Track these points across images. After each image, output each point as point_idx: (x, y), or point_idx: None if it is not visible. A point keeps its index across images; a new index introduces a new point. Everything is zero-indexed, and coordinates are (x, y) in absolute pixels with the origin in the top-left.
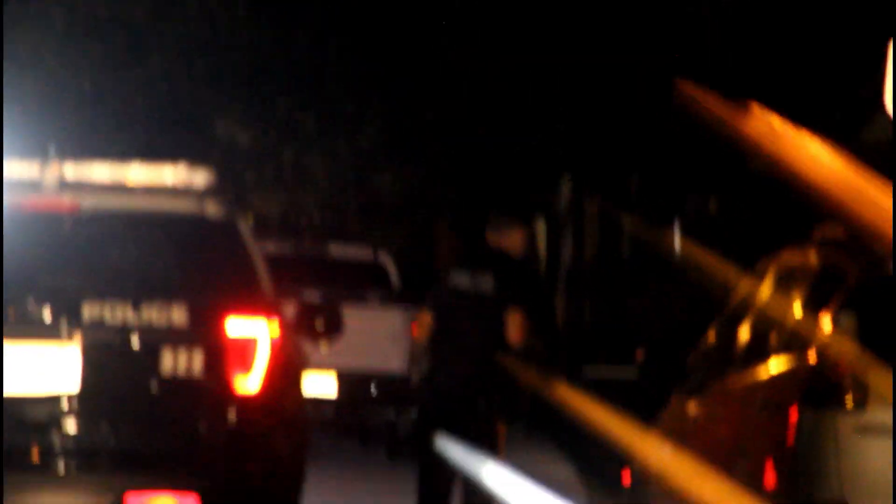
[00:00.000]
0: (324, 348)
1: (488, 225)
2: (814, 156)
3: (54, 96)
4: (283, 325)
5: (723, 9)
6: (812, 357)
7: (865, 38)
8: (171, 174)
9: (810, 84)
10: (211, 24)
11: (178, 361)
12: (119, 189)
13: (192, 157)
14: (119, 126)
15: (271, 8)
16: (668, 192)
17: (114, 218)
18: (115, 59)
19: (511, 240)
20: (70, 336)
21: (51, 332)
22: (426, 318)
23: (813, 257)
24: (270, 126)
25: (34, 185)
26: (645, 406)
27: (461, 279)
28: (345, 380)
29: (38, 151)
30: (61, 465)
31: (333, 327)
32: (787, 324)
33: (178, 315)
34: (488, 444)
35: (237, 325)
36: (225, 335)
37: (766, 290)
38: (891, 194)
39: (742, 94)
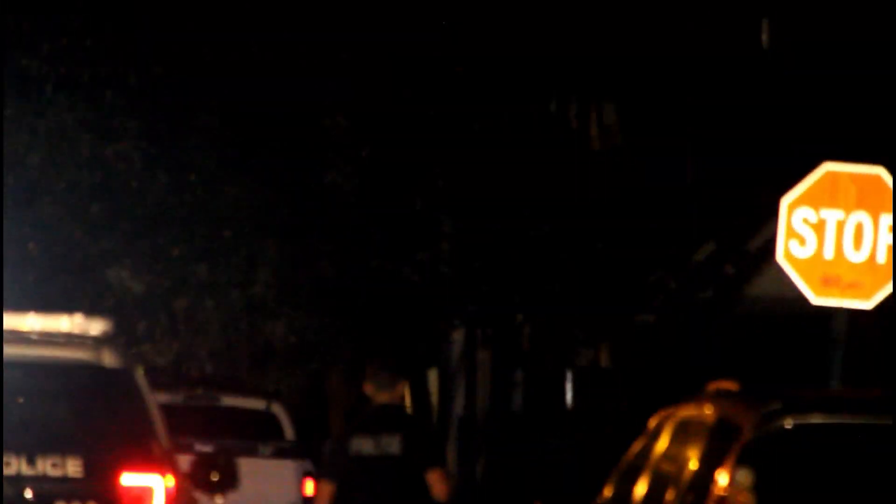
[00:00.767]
0: (218, 501)
1: (370, 378)
2: None
3: None
4: (178, 478)
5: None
6: None
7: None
8: (67, 323)
9: (701, 235)
10: (104, 170)
11: None
12: (14, 337)
13: (85, 305)
14: (10, 271)
15: (166, 155)
16: (560, 344)
17: (9, 366)
18: (7, 202)
19: (397, 393)
20: None
21: None
22: (326, 489)
23: (708, 410)
24: (163, 274)
25: None
26: None
27: (364, 444)
28: None
29: None
30: None
31: (228, 480)
32: (683, 478)
33: (73, 467)
34: None
35: (132, 478)
36: (120, 488)
37: (661, 444)
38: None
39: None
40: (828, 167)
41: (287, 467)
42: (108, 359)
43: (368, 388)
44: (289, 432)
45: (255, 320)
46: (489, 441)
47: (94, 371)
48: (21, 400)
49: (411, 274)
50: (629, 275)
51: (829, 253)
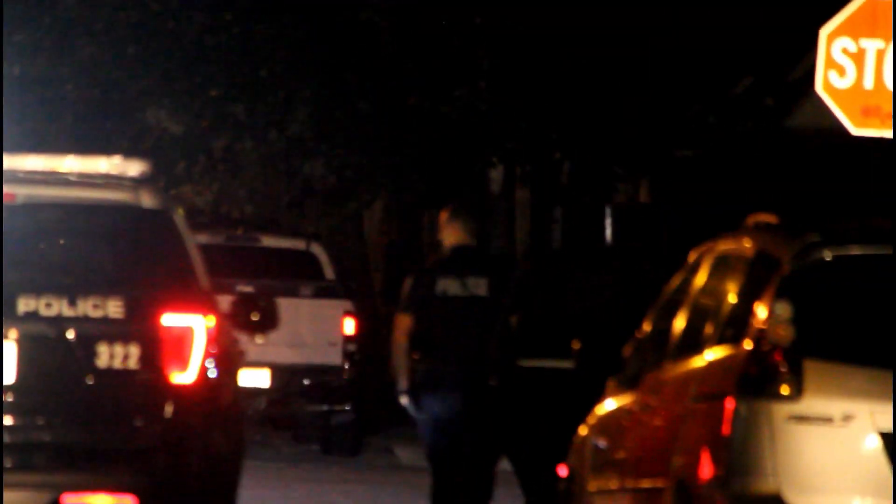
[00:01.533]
0: (258, 341)
1: (445, 222)
2: None
3: None
4: (219, 318)
5: None
6: (747, 345)
7: (794, 22)
8: (105, 165)
9: (740, 68)
10: (141, 10)
11: (114, 355)
12: (54, 179)
13: (124, 146)
14: (50, 115)
15: None
16: (598, 180)
17: (49, 208)
18: (44, 47)
19: (472, 234)
20: (5, 330)
21: None
22: (405, 321)
23: (747, 244)
24: (201, 115)
25: None
26: (580, 397)
27: (451, 285)
28: (278, 373)
29: None
30: None
31: (269, 320)
32: (722, 312)
33: (114, 308)
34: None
35: (173, 318)
36: (161, 328)
37: (700, 278)
38: None
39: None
40: None
41: (327, 307)
42: (147, 200)
43: (446, 231)
44: (328, 272)
45: (294, 160)
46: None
47: (133, 212)
48: (62, 241)
49: (449, 111)
50: (668, 109)
51: (868, 83)
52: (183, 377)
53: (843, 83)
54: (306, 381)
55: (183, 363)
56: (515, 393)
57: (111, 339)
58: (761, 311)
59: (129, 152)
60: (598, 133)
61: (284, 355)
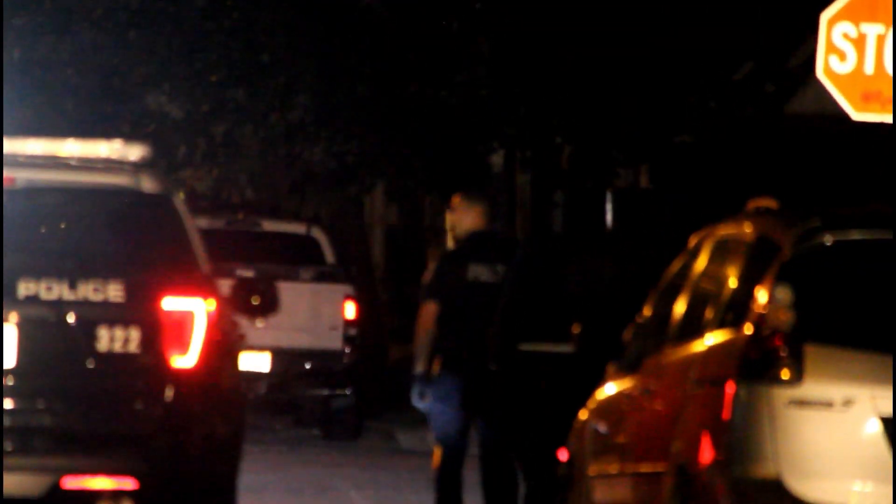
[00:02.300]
0: (259, 325)
1: (459, 208)
2: None
3: None
4: (219, 302)
5: None
6: (748, 330)
7: (795, 7)
8: (105, 149)
9: (741, 54)
10: None
11: (114, 339)
12: (54, 163)
13: (124, 131)
14: (50, 100)
15: None
16: (599, 165)
17: (49, 192)
18: (45, 30)
19: (486, 219)
20: (6, 313)
21: None
22: (432, 308)
23: (747, 229)
24: (202, 99)
25: None
26: (580, 382)
27: (482, 271)
28: (278, 357)
29: None
30: None
31: (269, 304)
32: (722, 297)
33: (115, 292)
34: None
35: (174, 302)
36: (161, 312)
37: (701, 262)
38: None
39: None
40: None
41: (328, 291)
42: (148, 184)
43: (465, 216)
44: (329, 256)
45: (294, 145)
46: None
47: (133, 196)
48: (62, 225)
49: (449, 97)
50: (669, 95)
51: (869, 68)
52: (183, 361)
53: (844, 68)
54: (307, 366)
55: (183, 347)
56: (515, 377)
57: (111, 323)
58: (762, 296)
59: (129, 137)
60: (598, 118)
61: (285, 339)
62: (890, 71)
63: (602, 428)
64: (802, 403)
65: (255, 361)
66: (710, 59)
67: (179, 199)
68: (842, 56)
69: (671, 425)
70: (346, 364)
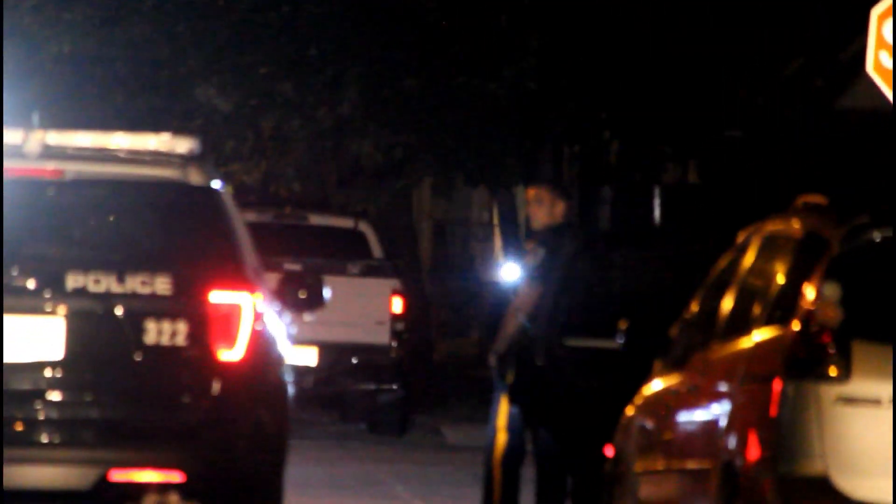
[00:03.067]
0: (306, 319)
1: (556, 197)
2: None
3: (35, 62)
4: (266, 296)
5: None
6: (795, 326)
7: (846, 2)
8: (153, 142)
9: (791, 49)
10: None
11: (161, 332)
12: (102, 156)
13: (173, 124)
14: (100, 93)
15: None
16: (647, 160)
17: (97, 185)
18: (95, 24)
19: (557, 212)
20: (54, 306)
21: (35, 302)
22: (536, 293)
23: (796, 225)
24: (250, 93)
25: (16, 152)
26: (627, 377)
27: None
28: (325, 351)
29: (21, 119)
30: (45, 437)
31: (316, 298)
32: (770, 293)
33: (162, 285)
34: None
35: (221, 296)
36: (209, 305)
37: (748, 259)
38: None
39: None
40: None
41: (375, 285)
42: (196, 177)
43: (556, 208)
44: (376, 250)
45: (342, 139)
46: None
47: (181, 189)
48: (110, 218)
49: (497, 90)
50: (718, 90)
51: None
52: (230, 354)
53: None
54: (354, 360)
55: (230, 340)
56: (562, 373)
57: (159, 316)
58: (810, 293)
59: (178, 130)
60: (647, 113)
61: (332, 334)
62: None
63: (649, 424)
64: (850, 401)
65: (302, 356)
66: (761, 54)
67: (227, 192)
68: (892, 51)
69: (718, 422)
70: (392, 359)
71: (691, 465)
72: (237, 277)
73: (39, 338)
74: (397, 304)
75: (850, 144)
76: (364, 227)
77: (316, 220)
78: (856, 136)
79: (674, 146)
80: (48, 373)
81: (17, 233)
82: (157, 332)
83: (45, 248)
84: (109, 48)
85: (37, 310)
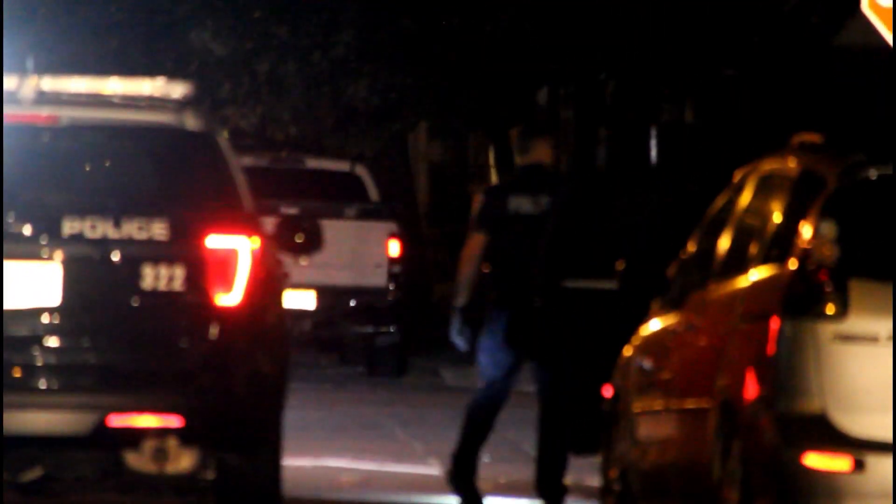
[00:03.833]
0: (303, 263)
1: (517, 141)
2: None
3: (29, 7)
4: (263, 240)
5: None
6: (792, 265)
7: None
8: (148, 87)
9: None
10: None
11: (158, 277)
12: (97, 101)
13: (168, 69)
14: (95, 38)
15: None
16: (643, 100)
17: (92, 130)
18: None
19: (537, 153)
20: (51, 252)
21: (31, 248)
22: (479, 239)
23: (792, 164)
24: (245, 37)
25: (11, 98)
26: (625, 318)
27: (523, 202)
28: (323, 295)
29: (16, 64)
30: (43, 383)
31: (313, 241)
32: (766, 232)
33: (159, 229)
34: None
35: (218, 240)
36: (206, 250)
37: (745, 198)
38: None
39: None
40: None
41: (372, 228)
42: (191, 122)
43: (515, 152)
44: (373, 193)
45: (338, 81)
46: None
47: (176, 134)
48: (106, 164)
49: (493, 31)
50: (714, 28)
51: None
52: (228, 299)
53: (889, 1)
54: (352, 303)
55: (227, 285)
56: (559, 313)
57: (156, 261)
58: (806, 231)
59: (173, 74)
60: (642, 52)
61: (330, 277)
62: None
63: (646, 364)
64: (847, 338)
65: (299, 299)
66: None
67: (223, 137)
68: None
69: (716, 361)
70: (390, 301)
71: (689, 404)
72: (234, 222)
73: (36, 283)
74: (394, 247)
75: (847, 82)
76: (360, 171)
77: (312, 163)
78: (853, 74)
79: (670, 86)
80: (45, 318)
81: (13, 179)
82: (154, 277)
83: (41, 194)
84: None
85: (33, 255)
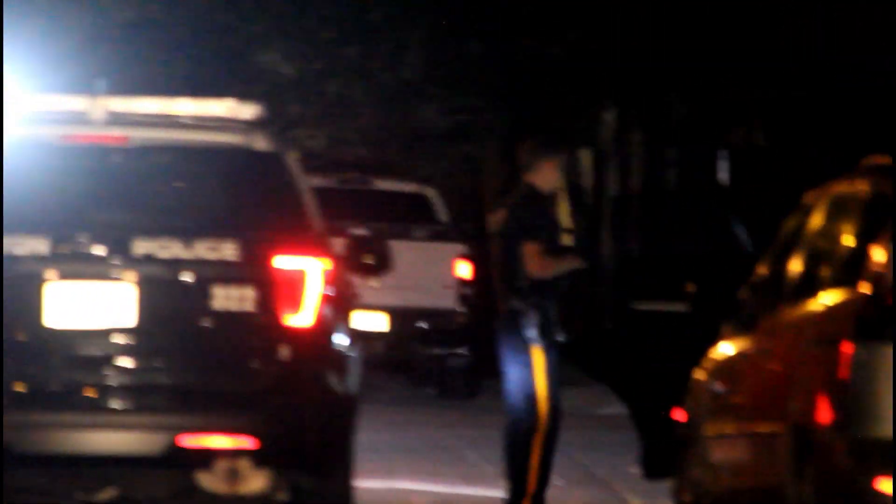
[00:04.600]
0: (373, 284)
1: (520, 159)
2: None
3: (100, 29)
4: (333, 261)
5: None
6: (864, 288)
7: None
8: (218, 108)
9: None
10: None
11: (229, 298)
12: (167, 122)
13: (238, 90)
14: (165, 59)
15: None
16: (713, 123)
17: (162, 151)
18: None
19: (542, 175)
20: (122, 272)
21: (103, 268)
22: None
23: (862, 186)
24: (315, 58)
25: (82, 119)
26: (695, 341)
27: (496, 218)
28: (393, 316)
29: (87, 86)
30: (116, 403)
31: (382, 262)
32: (838, 255)
33: (229, 250)
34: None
35: (287, 261)
36: (275, 271)
37: (816, 221)
38: None
39: None
40: None
41: (440, 249)
42: (260, 143)
43: (520, 170)
44: (441, 215)
45: (407, 103)
46: (644, 221)
47: (246, 155)
48: (176, 184)
49: (561, 53)
50: (784, 49)
51: None
52: (297, 319)
53: None
54: (422, 325)
55: (297, 306)
56: (630, 336)
57: (226, 282)
58: (878, 254)
59: (242, 95)
60: (712, 74)
61: (399, 298)
62: None
63: (718, 388)
64: None
65: (371, 321)
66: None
67: (292, 157)
68: None
69: (787, 385)
70: (461, 323)
71: (762, 428)
72: (303, 242)
73: (108, 304)
74: (464, 269)
75: None
76: (428, 192)
77: (381, 184)
78: None
79: (740, 107)
80: (117, 339)
81: (85, 199)
82: (225, 298)
83: (112, 215)
84: (173, 14)
85: (105, 276)
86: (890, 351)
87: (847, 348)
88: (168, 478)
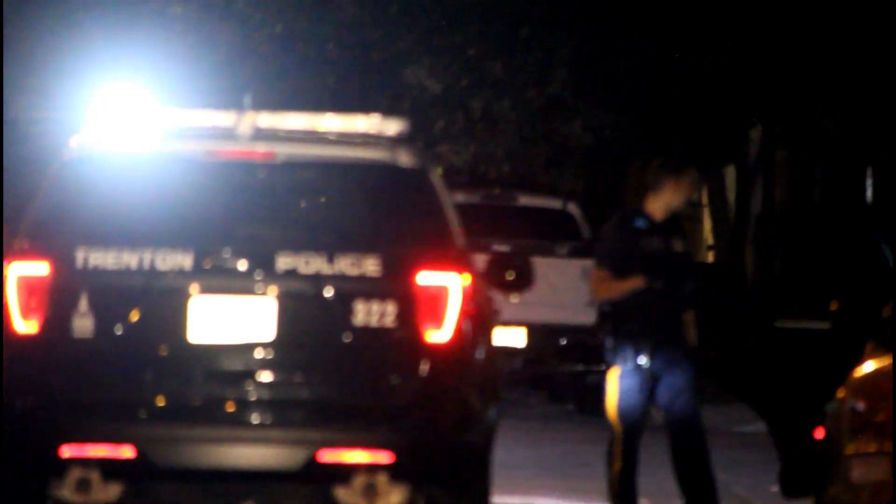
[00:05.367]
0: (514, 300)
1: (629, 181)
2: None
3: (248, 44)
4: (474, 277)
5: None
6: None
7: None
8: (363, 123)
9: None
10: None
11: (370, 313)
12: (313, 138)
13: (383, 105)
14: (311, 75)
15: None
16: (862, 139)
17: (308, 166)
18: (307, 5)
19: (664, 196)
20: (265, 287)
21: (247, 283)
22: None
23: None
24: (460, 74)
25: (229, 134)
26: (839, 359)
27: (654, 241)
28: (534, 332)
29: (234, 101)
30: (256, 418)
31: (524, 279)
32: None
33: (371, 266)
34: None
35: (429, 277)
36: (417, 286)
37: None
38: None
39: None
40: None
41: (583, 266)
42: (405, 158)
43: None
44: (585, 231)
45: (552, 119)
46: (788, 239)
47: (390, 171)
48: (320, 200)
49: (709, 65)
50: None
51: None
52: (438, 335)
53: None
54: (562, 341)
55: (438, 321)
56: (774, 354)
57: (368, 297)
58: None
59: (387, 111)
60: (861, 90)
61: (540, 315)
62: None
63: (860, 406)
64: None
65: (510, 337)
66: None
67: (436, 173)
68: None
69: None
70: (600, 339)
71: None
72: (445, 258)
73: (251, 318)
74: None
75: None
76: (572, 208)
77: (524, 200)
78: None
79: (889, 124)
80: (259, 353)
81: (229, 214)
82: (366, 313)
83: (256, 230)
84: (321, 29)
85: (248, 290)
86: None
87: None
88: (307, 493)
